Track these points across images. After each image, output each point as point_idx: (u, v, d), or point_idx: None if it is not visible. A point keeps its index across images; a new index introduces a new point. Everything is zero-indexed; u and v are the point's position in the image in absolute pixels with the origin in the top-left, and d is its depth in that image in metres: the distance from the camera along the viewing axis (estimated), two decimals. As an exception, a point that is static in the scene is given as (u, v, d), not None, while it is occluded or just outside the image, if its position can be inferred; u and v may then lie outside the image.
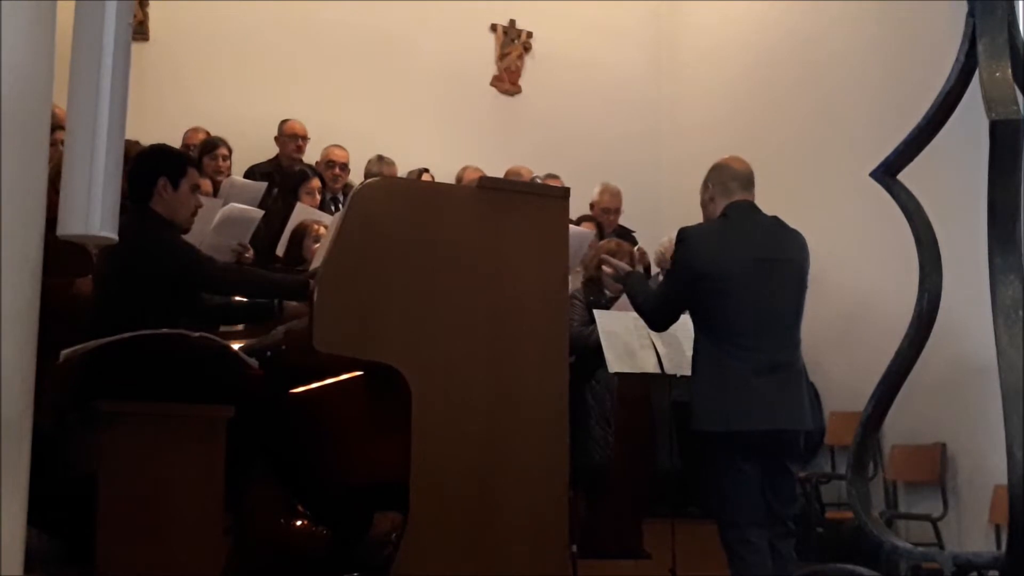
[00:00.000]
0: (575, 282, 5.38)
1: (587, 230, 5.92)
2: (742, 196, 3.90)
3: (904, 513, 5.99)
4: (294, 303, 3.82)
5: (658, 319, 4.11)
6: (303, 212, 5.63)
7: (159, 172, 3.72)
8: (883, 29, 6.68)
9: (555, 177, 6.78)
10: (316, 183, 6.11)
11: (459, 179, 6.54)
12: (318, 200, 6.08)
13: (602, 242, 5.79)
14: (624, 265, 4.41)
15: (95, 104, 2.30)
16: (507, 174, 6.54)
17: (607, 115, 8.20)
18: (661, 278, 5.61)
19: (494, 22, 8.20)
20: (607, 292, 5.35)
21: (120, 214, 2.38)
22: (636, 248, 5.95)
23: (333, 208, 6.19)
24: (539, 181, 6.58)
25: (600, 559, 4.97)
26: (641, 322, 4.38)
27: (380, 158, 6.76)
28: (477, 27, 8.12)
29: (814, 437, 5.49)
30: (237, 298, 4.14)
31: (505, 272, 3.60)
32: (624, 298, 4.56)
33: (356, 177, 6.72)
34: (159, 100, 6.59)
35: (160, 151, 3.94)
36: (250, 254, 5.31)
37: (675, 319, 4.10)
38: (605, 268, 4.59)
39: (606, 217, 6.59)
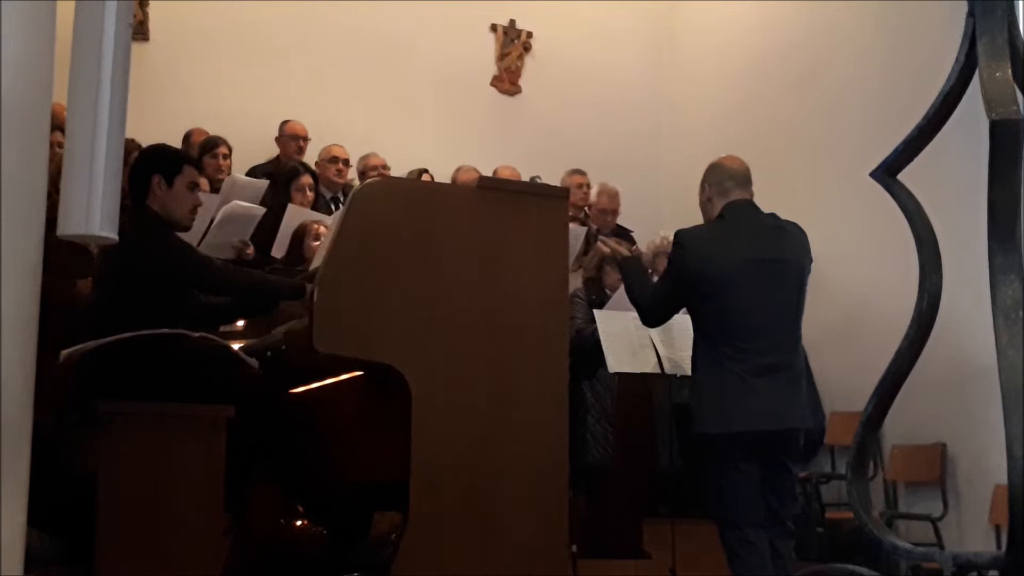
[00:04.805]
0: (576, 281, 5.39)
1: (580, 227, 5.93)
2: (739, 195, 3.89)
3: (904, 513, 5.98)
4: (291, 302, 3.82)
5: (651, 316, 4.12)
6: (295, 213, 5.61)
7: (153, 170, 3.72)
8: (883, 29, 6.68)
9: (582, 174, 6.76)
10: (307, 180, 6.03)
11: (453, 180, 6.51)
12: (310, 197, 6.01)
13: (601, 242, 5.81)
14: (623, 249, 4.41)
15: (95, 104, 2.30)
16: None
17: (607, 115, 8.19)
18: (655, 278, 5.61)
19: (494, 22, 8.19)
20: (608, 292, 5.36)
21: (120, 214, 2.38)
22: (634, 247, 5.95)
23: (333, 207, 6.18)
24: (537, 178, 6.60)
25: (600, 559, 4.97)
26: (640, 322, 4.38)
27: (364, 156, 6.74)
28: (477, 27, 8.11)
29: (814, 437, 5.48)
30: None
31: (505, 272, 3.60)
32: (623, 297, 4.56)
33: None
34: (159, 100, 6.59)
35: (156, 149, 3.94)
36: (251, 251, 5.31)
37: (668, 318, 4.12)
38: (602, 247, 4.58)
39: (603, 218, 6.59)
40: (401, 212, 3.53)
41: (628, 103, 8.34)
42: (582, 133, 7.98)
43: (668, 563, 4.65)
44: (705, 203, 3.96)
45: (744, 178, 3.92)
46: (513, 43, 8.22)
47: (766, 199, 3.99)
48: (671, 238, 4.04)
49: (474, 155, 6.95)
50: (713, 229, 3.89)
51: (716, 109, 7.94)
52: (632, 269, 4.20)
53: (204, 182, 5.32)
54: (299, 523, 4.15)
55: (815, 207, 6.25)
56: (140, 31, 6.84)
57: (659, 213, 7.54)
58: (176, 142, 6.07)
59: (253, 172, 6.47)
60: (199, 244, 4.88)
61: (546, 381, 3.61)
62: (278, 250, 5.49)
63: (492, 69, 8.17)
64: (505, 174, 6.57)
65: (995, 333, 1.60)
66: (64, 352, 3.29)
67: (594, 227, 6.48)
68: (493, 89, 8.17)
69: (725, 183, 3.90)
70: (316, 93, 7.22)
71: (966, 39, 1.72)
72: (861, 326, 6.34)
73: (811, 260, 3.92)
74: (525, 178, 6.56)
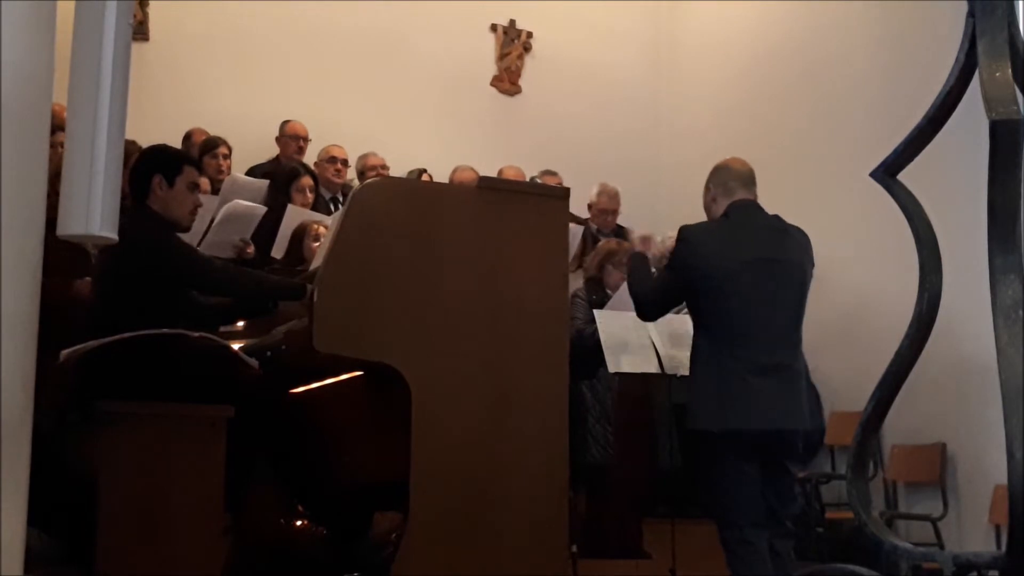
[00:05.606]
0: (576, 281, 5.38)
1: (576, 225, 5.93)
2: (744, 196, 3.91)
3: (904, 513, 5.98)
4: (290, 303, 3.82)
5: (649, 309, 4.13)
6: (295, 213, 5.61)
7: (154, 170, 3.72)
8: (883, 29, 6.68)
9: (553, 174, 6.77)
10: (307, 181, 6.02)
11: (451, 180, 6.48)
12: (310, 199, 6.00)
13: (603, 242, 5.81)
14: (650, 247, 4.45)
15: (95, 104, 2.30)
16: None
17: (607, 115, 8.19)
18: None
19: (494, 22, 8.19)
20: (608, 292, 5.36)
21: (120, 214, 2.38)
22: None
23: (333, 207, 6.18)
24: (537, 179, 6.60)
25: (600, 559, 4.97)
26: (641, 322, 4.39)
27: (363, 156, 6.74)
28: (477, 27, 8.12)
29: (813, 437, 5.51)
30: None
31: (505, 272, 3.60)
32: (623, 297, 4.57)
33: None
34: (159, 100, 6.59)
35: (156, 150, 3.94)
36: (251, 250, 5.30)
37: (664, 312, 4.14)
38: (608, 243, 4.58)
39: (604, 218, 6.59)
40: (401, 212, 3.53)
41: (628, 103, 8.34)
42: (582, 133, 7.98)
43: (668, 563, 4.65)
44: (710, 203, 3.99)
45: (748, 179, 3.95)
46: (513, 43, 8.22)
47: (766, 199, 4.00)
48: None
49: (474, 155, 6.95)
50: (717, 226, 3.91)
51: (716, 109, 7.93)
52: (640, 262, 4.23)
53: (205, 182, 5.32)
54: (299, 523, 4.15)
55: (816, 207, 6.25)
56: (140, 31, 6.84)
57: (658, 213, 7.54)
58: (176, 142, 6.07)
59: (253, 172, 6.46)
60: (199, 244, 4.88)
61: (546, 381, 3.61)
62: (278, 251, 5.49)
63: (492, 69, 8.17)
64: (510, 174, 6.56)
65: (995, 333, 1.60)
66: (64, 352, 3.29)
67: (594, 227, 6.48)
68: (493, 89, 8.18)
69: (729, 183, 3.93)
70: (316, 93, 7.21)
71: (966, 39, 1.72)
72: (861, 326, 6.34)
73: (813, 265, 3.93)
74: (528, 178, 6.55)
